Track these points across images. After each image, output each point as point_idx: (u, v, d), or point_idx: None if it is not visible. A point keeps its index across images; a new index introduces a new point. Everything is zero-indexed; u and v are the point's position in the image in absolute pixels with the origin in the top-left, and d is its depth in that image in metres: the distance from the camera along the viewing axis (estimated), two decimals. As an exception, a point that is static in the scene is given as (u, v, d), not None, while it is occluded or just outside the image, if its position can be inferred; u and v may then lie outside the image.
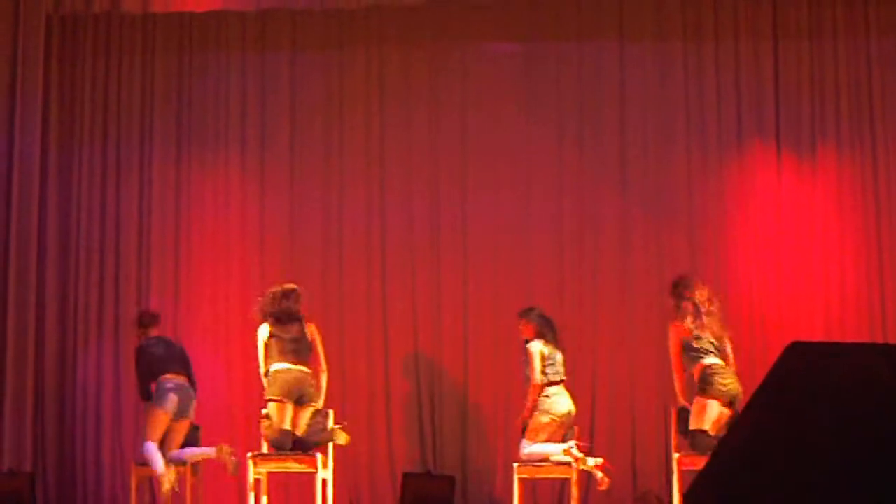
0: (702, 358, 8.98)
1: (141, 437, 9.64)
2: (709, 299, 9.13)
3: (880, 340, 10.24)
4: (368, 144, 11.13)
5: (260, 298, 9.36)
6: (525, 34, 11.19)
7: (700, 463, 8.39)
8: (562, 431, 9.32)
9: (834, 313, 10.66)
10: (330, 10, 10.97)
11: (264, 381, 9.19)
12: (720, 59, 11.01)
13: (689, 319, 9.05)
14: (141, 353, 9.64)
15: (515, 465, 9.43)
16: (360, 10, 11.05)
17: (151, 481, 10.21)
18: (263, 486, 9.30)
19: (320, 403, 9.29)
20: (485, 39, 11.23)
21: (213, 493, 10.28)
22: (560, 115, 11.09)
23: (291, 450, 9.11)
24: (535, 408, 9.31)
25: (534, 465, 9.43)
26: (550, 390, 9.31)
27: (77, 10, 10.86)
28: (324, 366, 9.39)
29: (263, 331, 9.23)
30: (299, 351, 9.19)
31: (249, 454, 9.19)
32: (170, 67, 11.23)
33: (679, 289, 9.26)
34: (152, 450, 9.27)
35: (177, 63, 11.24)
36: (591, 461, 9.12)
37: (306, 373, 9.18)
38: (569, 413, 9.33)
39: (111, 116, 11.17)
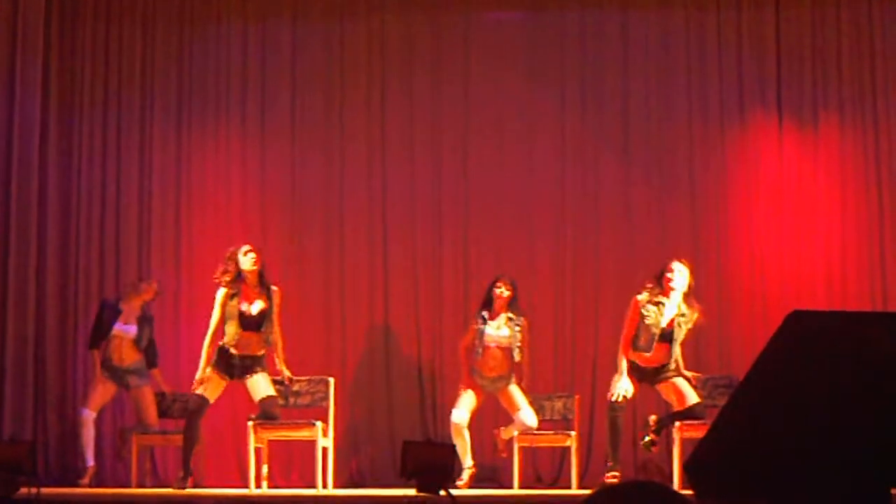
0: None
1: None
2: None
3: (881, 310, 10.24)
4: (370, 112, 11.10)
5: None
6: (527, 1, 11.15)
7: (700, 432, 8.43)
8: None
9: (835, 283, 10.67)
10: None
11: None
12: (722, 28, 10.99)
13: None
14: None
15: (516, 433, 9.49)
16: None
17: (152, 450, 10.26)
18: (264, 455, 9.33)
19: None
20: (487, 7, 11.19)
21: (214, 461, 10.31)
22: (562, 83, 11.07)
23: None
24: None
25: (534, 434, 9.52)
26: None
27: (77, -24, 10.84)
28: None
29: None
30: None
31: (250, 422, 9.20)
32: (170, 35, 11.19)
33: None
34: None
35: (177, 30, 11.19)
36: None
37: None
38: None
39: (111, 84, 11.13)
